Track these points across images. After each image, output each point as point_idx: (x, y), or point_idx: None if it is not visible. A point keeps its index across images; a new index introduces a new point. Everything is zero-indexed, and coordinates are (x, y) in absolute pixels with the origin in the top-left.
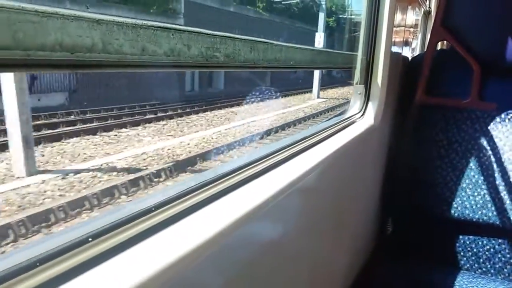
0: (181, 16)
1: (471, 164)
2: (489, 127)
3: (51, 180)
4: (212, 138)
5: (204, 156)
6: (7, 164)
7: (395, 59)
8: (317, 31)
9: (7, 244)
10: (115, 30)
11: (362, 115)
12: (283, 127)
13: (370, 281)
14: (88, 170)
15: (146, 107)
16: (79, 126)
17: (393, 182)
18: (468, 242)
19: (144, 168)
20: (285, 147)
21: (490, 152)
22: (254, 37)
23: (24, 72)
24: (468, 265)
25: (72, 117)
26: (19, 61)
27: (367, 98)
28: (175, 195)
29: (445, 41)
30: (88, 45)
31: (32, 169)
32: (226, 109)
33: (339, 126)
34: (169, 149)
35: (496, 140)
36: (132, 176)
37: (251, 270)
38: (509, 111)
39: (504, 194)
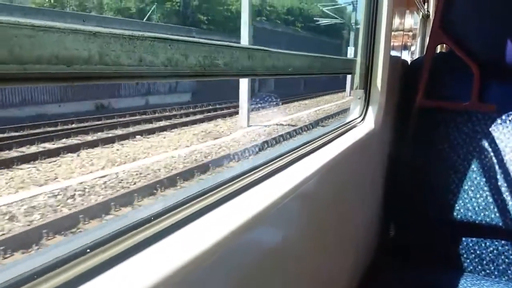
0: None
1: (472, 166)
2: (490, 129)
3: (258, 128)
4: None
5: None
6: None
7: (394, 63)
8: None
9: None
10: (112, 42)
11: (363, 119)
12: (338, 113)
13: (373, 285)
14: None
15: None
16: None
17: (394, 185)
18: (471, 244)
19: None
20: (286, 153)
21: (491, 154)
22: (293, 49)
23: (20, 86)
24: (471, 267)
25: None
26: (15, 75)
27: (367, 102)
28: (179, 202)
29: (444, 44)
30: (85, 57)
31: (248, 124)
32: (294, 103)
33: (340, 131)
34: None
35: (497, 141)
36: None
37: (254, 275)
38: (510, 113)
39: (506, 196)
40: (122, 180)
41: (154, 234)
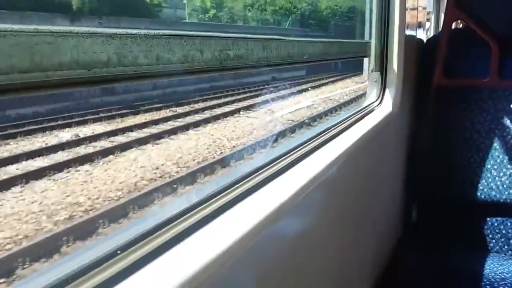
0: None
1: (495, 144)
2: (511, 105)
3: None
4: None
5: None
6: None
7: (409, 43)
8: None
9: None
10: (129, 43)
11: (380, 103)
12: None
13: (400, 269)
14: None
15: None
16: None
17: (416, 168)
18: (496, 224)
19: None
20: (305, 142)
21: None
22: None
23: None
24: (497, 247)
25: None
26: (38, 83)
27: (383, 85)
28: (203, 199)
29: (459, 21)
30: (104, 60)
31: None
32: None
33: (357, 116)
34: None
35: None
36: None
37: (281, 265)
38: None
39: None
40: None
41: (181, 232)
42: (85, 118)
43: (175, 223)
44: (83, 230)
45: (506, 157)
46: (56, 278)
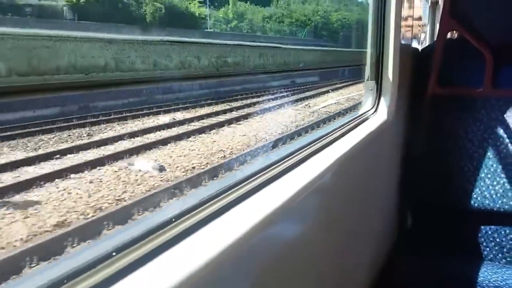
0: None
1: (488, 153)
2: (504, 115)
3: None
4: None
5: None
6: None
7: (405, 52)
8: None
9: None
10: (126, 48)
11: (375, 111)
12: None
13: (393, 275)
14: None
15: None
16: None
17: (410, 175)
18: (490, 232)
19: None
20: (300, 148)
21: (507, 140)
22: None
23: (41, 96)
24: (491, 255)
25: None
26: (36, 87)
27: (379, 93)
28: (199, 202)
29: (454, 31)
30: (102, 65)
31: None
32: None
33: (352, 124)
34: None
35: None
36: None
37: (276, 268)
38: None
39: None
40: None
41: (177, 235)
42: (170, 108)
43: (171, 225)
44: (236, 160)
45: (500, 166)
46: (53, 277)
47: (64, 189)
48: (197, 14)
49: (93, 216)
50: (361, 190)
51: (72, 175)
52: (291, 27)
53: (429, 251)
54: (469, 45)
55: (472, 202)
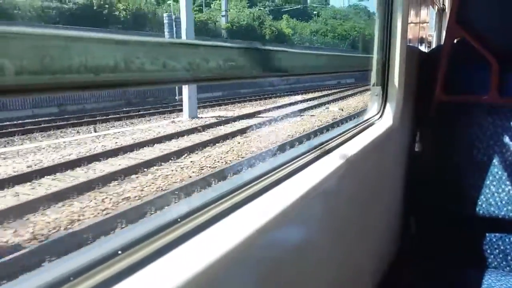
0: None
1: (494, 161)
2: (511, 122)
3: None
4: None
5: None
6: None
7: (411, 58)
8: None
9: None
10: (136, 49)
11: (380, 116)
12: None
13: (397, 281)
14: None
15: None
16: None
17: (415, 182)
18: (494, 240)
19: None
20: (305, 152)
21: None
22: None
23: (51, 95)
24: (495, 263)
25: None
26: (47, 85)
27: (384, 99)
28: (204, 203)
29: (461, 38)
30: (112, 65)
31: None
32: None
33: (358, 129)
34: None
35: None
36: None
37: (279, 274)
38: None
39: None
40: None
41: (181, 235)
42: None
43: (175, 226)
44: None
45: (505, 174)
46: (59, 274)
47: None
48: (286, 33)
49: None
50: (366, 195)
51: None
52: (334, 40)
53: (433, 257)
54: (475, 52)
55: (477, 209)
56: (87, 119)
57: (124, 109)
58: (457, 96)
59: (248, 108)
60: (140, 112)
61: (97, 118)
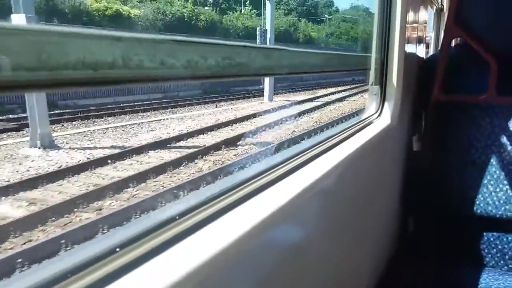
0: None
1: (491, 160)
2: (508, 122)
3: None
4: None
5: None
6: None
7: (409, 58)
8: None
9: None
10: (134, 46)
11: (379, 115)
12: None
13: (395, 281)
14: None
15: None
16: None
17: (412, 181)
18: (492, 239)
19: None
20: (303, 151)
21: (510, 147)
22: None
23: (49, 91)
24: (493, 262)
25: None
26: (44, 81)
27: (383, 98)
28: (199, 202)
29: (459, 38)
30: (110, 62)
31: None
32: None
33: (356, 128)
34: None
35: None
36: None
37: (276, 272)
38: None
39: None
40: None
41: (176, 235)
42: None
43: (172, 224)
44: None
45: (503, 173)
46: (55, 272)
47: None
48: (313, 36)
49: None
50: (364, 194)
51: None
52: (348, 42)
53: (431, 257)
54: (473, 52)
55: (474, 208)
56: (201, 101)
57: (220, 95)
58: (455, 96)
59: (302, 96)
60: (235, 97)
61: (207, 100)
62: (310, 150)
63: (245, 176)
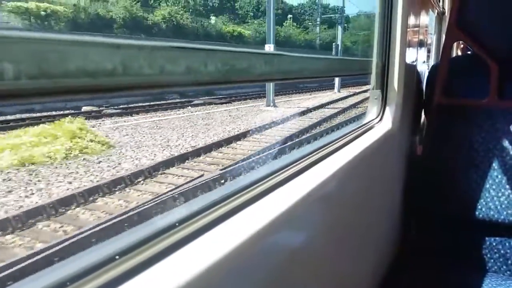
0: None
1: (493, 165)
2: (510, 126)
3: None
4: None
5: None
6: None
7: (410, 62)
8: None
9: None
10: (134, 54)
11: (380, 120)
12: None
13: (396, 285)
14: None
15: None
16: None
17: (414, 185)
18: (494, 244)
19: None
20: (304, 156)
21: None
22: None
23: (50, 99)
24: (495, 267)
25: None
26: (45, 89)
27: (384, 102)
28: (202, 207)
29: (460, 42)
30: (110, 69)
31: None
32: None
33: (357, 133)
34: None
35: None
36: None
37: (277, 279)
38: None
39: None
40: None
41: (178, 240)
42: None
43: (173, 231)
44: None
45: (505, 177)
46: (52, 281)
47: None
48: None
49: None
50: (365, 198)
51: None
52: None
53: (432, 261)
54: (475, 56)
55: (476, 213)
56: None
57: (293, 90)
58: (456, 99)
59: (357, 89)
60: (312, 90)
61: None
62: (311, 155)
63: (246, 182)
